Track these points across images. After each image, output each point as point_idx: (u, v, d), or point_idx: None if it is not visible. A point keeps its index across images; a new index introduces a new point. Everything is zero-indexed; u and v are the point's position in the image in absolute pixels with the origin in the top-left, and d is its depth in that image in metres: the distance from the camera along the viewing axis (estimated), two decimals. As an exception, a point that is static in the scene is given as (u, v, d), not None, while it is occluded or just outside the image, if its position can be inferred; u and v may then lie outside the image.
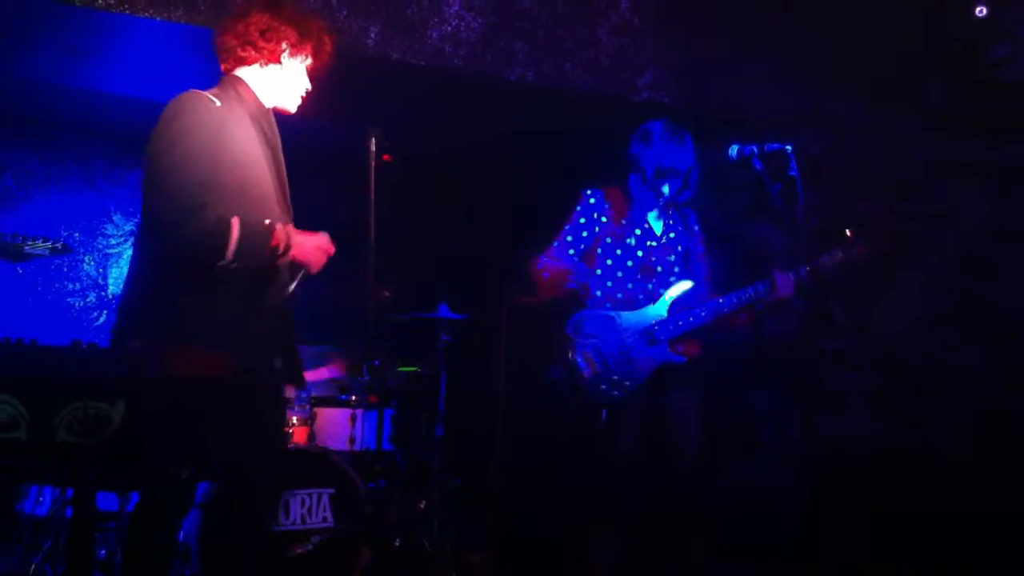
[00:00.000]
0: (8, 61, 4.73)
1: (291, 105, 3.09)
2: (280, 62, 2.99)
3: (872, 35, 4.69)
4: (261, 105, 3.01)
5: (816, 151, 4.67)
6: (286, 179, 3.04)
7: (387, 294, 3.39)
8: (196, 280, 2.70)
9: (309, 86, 3.08)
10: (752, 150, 3.56)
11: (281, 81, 3.02)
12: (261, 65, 2.98)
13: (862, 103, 4.83)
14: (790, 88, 4.90)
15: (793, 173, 3.45)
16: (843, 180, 4.75)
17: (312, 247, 2.85)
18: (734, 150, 3.61)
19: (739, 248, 4.77)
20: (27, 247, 4.14)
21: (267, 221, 2.75)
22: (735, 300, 3.73)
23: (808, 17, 4.82)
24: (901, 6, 4.60)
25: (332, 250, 2.91)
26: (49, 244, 4.20)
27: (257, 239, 2.70)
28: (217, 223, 2.65)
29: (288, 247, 2.77)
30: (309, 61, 3.05)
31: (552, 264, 3.81)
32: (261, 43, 2.95)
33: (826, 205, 4.41)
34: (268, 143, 2.98)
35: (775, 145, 3.53)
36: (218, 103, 2.82)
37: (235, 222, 2.66)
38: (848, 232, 3.68)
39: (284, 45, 2.98)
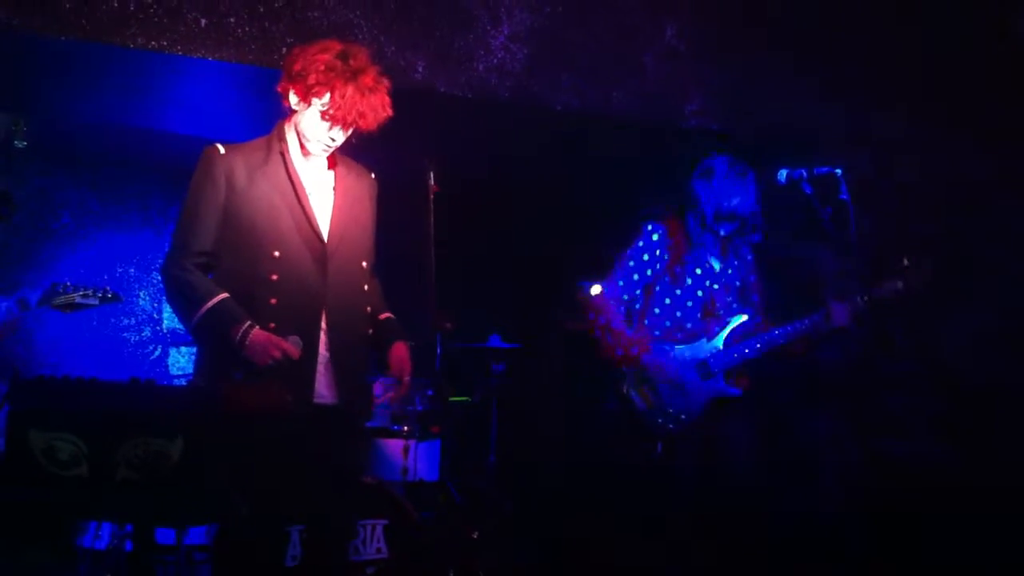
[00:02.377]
0: (68, 103, 4.85)
1: (316, 152, 3.08)
2: (295, 109, 3.04)
3: (921, 52, 4.65)
4: (302, 149, 3.08)
5: (868, 171, 4.62)
6: (341, 218, 3.08)
7: (450, 325, 3.40)
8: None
9: (334, 135, 3.02)
10: (801, 174, 3.51)
11: (302, 127, 3.05)
12: (291, 111, 3.06)
13: (913, 121, 4.78)
14: (839, 108, 4.86)
15: (844, 197, 3.41)
16: (897, 200, 4.70)
17: (260, 349, 2.88)
18: (783, 174, 3.56)
19: (792, 273, 4.73)
20: (78, 298, 4.24)
21: (237, 323, 2.88)
22: (790, 331, 3.68)
23: (854, 37, 4.79)
24: (950, 22, 4.56)
25: (286, 353, 2.90)
26: (99, 295, 4.30)
27: (221, 324, 2.89)
28: (195, 290, 2.95)
29: (244, 344, 2.87)
30: (326, 109, 2.97)
31: (604, 320, 3.74)
32: (281, 90, 3.04)
33: (880, 227, 4.36)
34: (310, 186, 3.06)
35: (824, 168, 3.49)
36: (223, 151, 2.99)
37: (212, 301, 2.91)
38: (905, 261, 3.62)
39: (292, 93, 3.02)
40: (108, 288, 4.35)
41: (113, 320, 6.12)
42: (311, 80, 2.94)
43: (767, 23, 4.93)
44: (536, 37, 4.59)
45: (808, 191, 3.49)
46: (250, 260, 2.96)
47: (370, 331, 3.19)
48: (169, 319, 6.32)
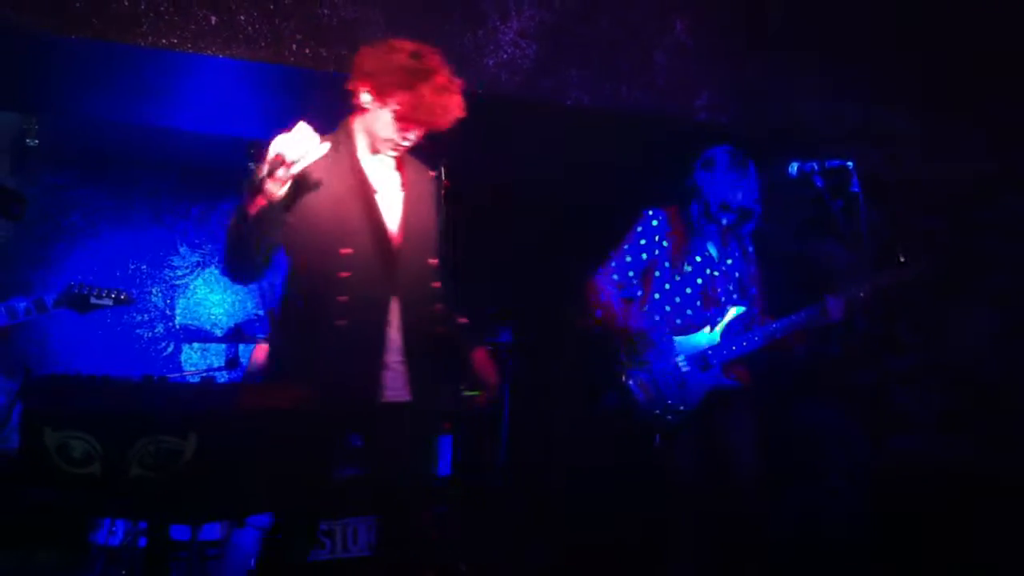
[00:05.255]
0: (79, 102, 4.87)
1: (386, 151, 3.08)
2: (366, 108, 3.02)
3: (931, 48, 4.63)
4: (371, 147, 3.07)
5: (877, 167, 4.61)
6: (409, 217, 3.07)
7: (466, 320, 3.41)
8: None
9: (408, 135, 3.02)
10: (812, 167, 3.51)
11: (374, 127, 3.03)
12: (359, 109, 3.04)
13: (923, 117, 4.77)
14: (849, 104, 4.85)
15: (855, 189, 3.40)
16: (906, 196, 4.68)
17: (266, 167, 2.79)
18: (794, 167, 3.55)
19: (802, 268, 4.72)
20: (92, 298, 4.27)
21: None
22: (787, 325, 3.70)
23: (864, 32, 4.77)
24: (959, 18, 4.54)
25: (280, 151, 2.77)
26: (113, 296, 4.33)
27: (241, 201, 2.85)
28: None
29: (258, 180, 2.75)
30: (401, 110, 2.95)
31: (609, 310, 3.77)
32: (351, 88, 3.02)
33: (889, 221, 4.35)
34: (378, 184, 3.05)
35: (836, 161, 3.48)
36: None
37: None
38: (901, 257, 3.62)
39: (365, 92, 3.00)
40: (122, 289, 4.39)
41: (126, 317, 6.14)
42: (386, 80, 2.92)
43: (775, 19, 4.92)
44: (545, 33, 4.58)
45: (819, 184, 3.48)
46: (320, 257, 2.95)
47: (442, 329, 3.15)
48: (182, 315, 6.35)
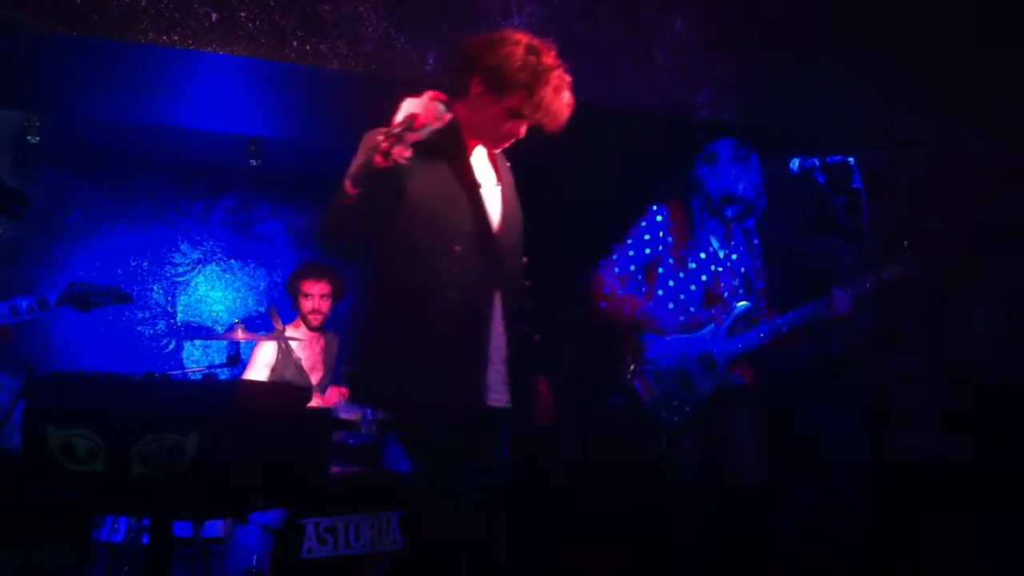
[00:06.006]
0: (80, 100, 4.87)
1: (492, 145, 2.97)
2: (475, 100, 2.85)
3: (933, 47, 4.63)
4: (474, 140, 2.94)
5: (880, 165, 4.60)
6: (507, 213, 2.95)
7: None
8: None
9: (519, 132, 2.90)
10: (814, 163, 3.49)
11: (482, 120, 2.88)
12: (466, 99, 2.87)
13: (926, 117, 4.76)
14: (852, 103, 4.84)
15: (857, 186, 3.39)
16: (908, 195, 4.68)
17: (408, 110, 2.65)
18: (795, 163, 3.54)
19: (803, 264, 4.72)
20: (94, 296, 4.28)
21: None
22: (793, 319, 3.68)
23: (868, 31, 4.77)
24: (961, 18, 4.54)
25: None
26: (114, 294, 4.34)
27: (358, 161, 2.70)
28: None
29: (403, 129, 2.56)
30: (518, 107, 2.80)
31: (612, 301, 3.76)
32: (461, 78, 2.86)
33: (891, 220, 4.35)
34: (480, 178, 2.90)
35: (837, 157, 3.46)
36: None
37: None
38: (906, 246, 3.62)
39: (478, 84, 2.83)
40: (121, 287, 4.39)
41: (127, 314, 6.15)
42: (503, 77, 2.77)
43: (777, 16, 4.92)
44: (546, 29, 4.57)
45: (821, 180, 3.47)
46: (428, 252, 2.79)
47: (525, 331, 3.03)
48: (183, 312, 6.35)
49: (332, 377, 5.32)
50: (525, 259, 3.04)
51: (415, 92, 2.82)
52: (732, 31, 4.88)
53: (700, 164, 3.80)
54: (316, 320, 5.22)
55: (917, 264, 3.64)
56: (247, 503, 2.96)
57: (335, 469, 4.27)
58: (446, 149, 2.83)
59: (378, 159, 2.52)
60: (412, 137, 2.57)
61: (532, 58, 2.77)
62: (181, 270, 6.39)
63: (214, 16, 3.98)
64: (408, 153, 2.57)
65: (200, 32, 3.97)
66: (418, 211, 2.78)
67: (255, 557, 3.95)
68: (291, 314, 5.36)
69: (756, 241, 3.92)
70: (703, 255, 3.78)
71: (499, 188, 2.96)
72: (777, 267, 4.01)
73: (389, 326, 2.81)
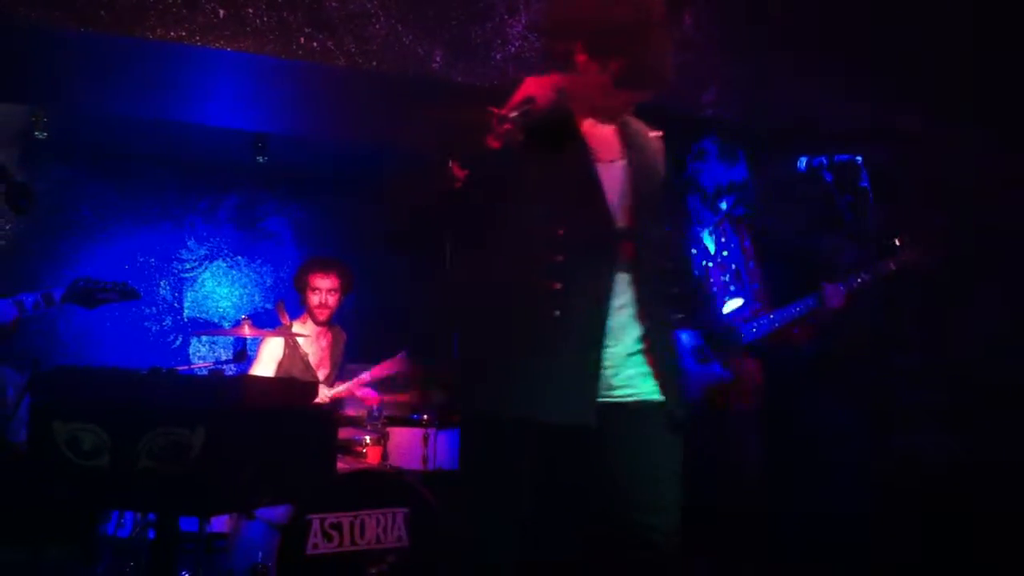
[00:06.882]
0: (87, 96, 4.88)
1: (602, 119, 2.65)
2: (579, 71, 2.54)
3: (938, 46, 4.62)
4: (585, 114, 2.63)
5: (887, 164, 4.60)
6: (631, 189, 2.61)
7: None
8: None
9: (631, 101, 2.61)
10: (821, 162, 3.50)
11: (590, 92, 2.56)
12: (571, 72, 2.56)
13: (934, 116, 4.75)
14: (859, 101, 4.84)
15: (864, 184, 3.40)
16: (915, 193, 4.67)
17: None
18: (802, 162, 3.55)
19: (808, 263, 4.71)
20: (99, 293, 4.29)
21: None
22: (785, 315, 3.70)
23: (871, 29, 4.75)
24: (963, 17, 4.53)
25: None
26: (120, 290, 4.34)
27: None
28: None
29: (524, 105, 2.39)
30: (624, 73, 2.48)
31: None
32: (564, 48, 2.56)
33: (898, 218, 4.34)
34: (595, 153, 2.60)
35: (845, 156, 3.47)
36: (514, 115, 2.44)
37: None
38: (898, 241, 3.62)
39: (581, 52, 2.52)
40: (127, 283, 4.39)
41: (134, 310, 6.16)
42: (605, 40, 2.47)
43: (784, 15, 4.91)
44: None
45: (828, 178, 3.48)
46: (529, 239, 2.52)
47: (679, 317, 2.76)
48: (190, 308, 6.36)
49: (339, 372, 5.32)
50: (666, 234, 2.71)
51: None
52: (739, 28, 4.87)
53: (692, 162, 3.82)
54: (323, 315, 5.21)
55: (912, 255, 3.64)
56: (253, 499, 2.96)
57: (341, 465, 4.27)
58: (558, 130, 2.54)
59: (492, 140, 2.36)
60: (527, 118, 2.39)
61: (636, 15, 2.46)
62: (188, 266, 6.40)
63: (221, 12, 3.99)
64: (521, 136, 2.38)
65: (207, 28, 3.97)
66: (523, 197, 2.52)
67: (260, 553, 3.95)
68: (298, 309, 5.37)
69: (747, 243, 3.93)
70: (694, 251, 3.81)
71: (622, 163, 2.64)
72: (781, 266, 4.01)
73: (484, 326, 2.60)
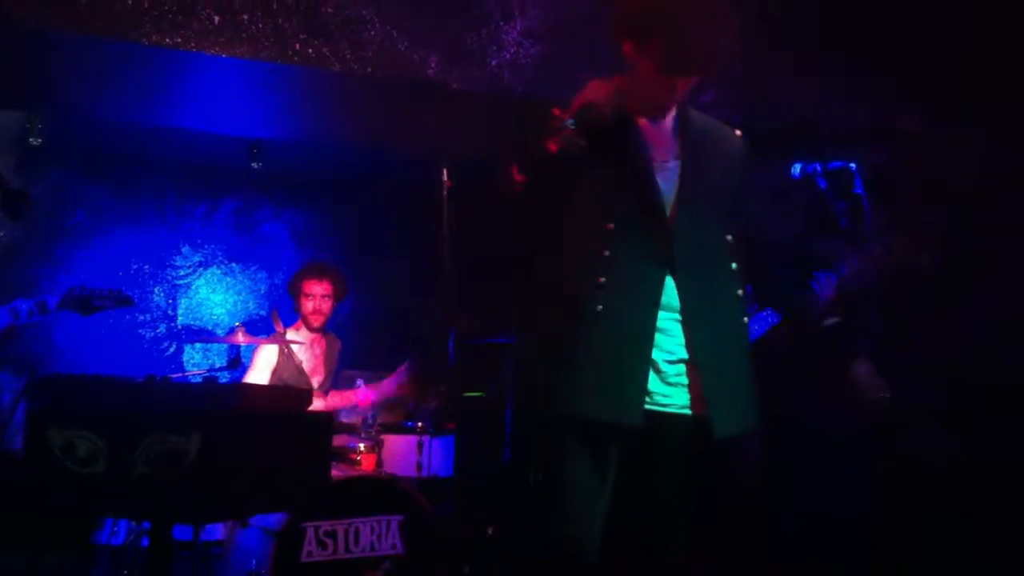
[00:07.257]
0: (83, 101, 4.87)
1: (651, 115, 2.58)
2: (629, 66, 2.50)
3: (938, 47, 4.63)
4: (640, 111, 2.58)
5: (887, 164, 4.60)
6: (688, 188, 2.54)
7: (466, 322, 3.34)
8: None
9: (674, 89, 2.52)
10: (816, 168, 3.50)
11: (634, 87, 2.52)
12: (627, 70, 2.52)
13: (934, 116, 4.76)
14: (859, 101, 4.84)
15: (859, 191, 3.40)
16: (913, 194, 4.68)
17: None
18: (797, 168, 3.55)
19: (806, 270, 4.71)
20: (94, 301, 4.29)
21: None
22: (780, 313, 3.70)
23: (874, 30, 4.76)
24: (964, 17, 4.53)
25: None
26: (115, 298, 4.35)
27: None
28: None
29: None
30: (664, 59, 2.41)
31: None
32: (616, 42, 2.51)
33: (895, 220, 4.35)
34: (651, 152, 2.54)
35: (839, 163, 3.47)
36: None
37: None
38: (892, 237, 3.63)
39: (627, 43, 2.48)
40: (122, 291, 4.39)
41: (128, 317, 6.14)
42: (643, 24, 2.41)
43: (784, 15, 4.91)
44: (550, 32, 4.58)
45: (823, 185, 3.48)
46: (579, 234, 2.49)
47: (746, 320, 2.61)
48: (184, 316, 6.35)
49: (333, 380, 5.32)
50: (730, 237, 2.58)
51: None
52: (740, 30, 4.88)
53: None
54: (317, 321, 5.21)
55: (901, 244, 3.64)
56: (248, 506, 2.96)
57: (335, 472, 4.26)
58: (615, 132, 2.49)
59: (552, 144, 2.34)
60: (586, 122, 2.36)
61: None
62: (182, 273, 6.39)
63: (217, 19, 3.99)
64: (582, 142, 2.35)
65: (203, 34, 3.98)
66: (577, 198, 2.49)
67: (255, 560, 3.94)
68: (292, 317, 5.36)
69: None
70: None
71: (676, 163, 2.56)
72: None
73: (541, 323, 2.55)
